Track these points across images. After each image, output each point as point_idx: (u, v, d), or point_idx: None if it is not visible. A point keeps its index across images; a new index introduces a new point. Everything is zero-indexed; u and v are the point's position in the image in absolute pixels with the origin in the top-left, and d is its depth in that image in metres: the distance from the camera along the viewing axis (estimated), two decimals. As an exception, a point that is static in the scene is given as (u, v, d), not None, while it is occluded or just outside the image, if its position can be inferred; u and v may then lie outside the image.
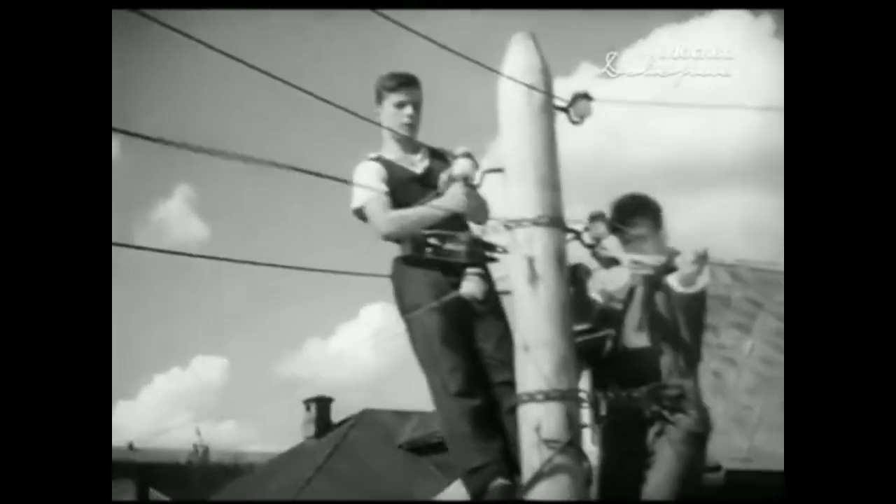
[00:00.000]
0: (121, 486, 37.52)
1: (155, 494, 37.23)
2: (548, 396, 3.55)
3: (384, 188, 4.36)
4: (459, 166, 3.89)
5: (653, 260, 3.99)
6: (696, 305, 4.06)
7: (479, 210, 4.24)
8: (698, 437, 3.95)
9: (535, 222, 3.67)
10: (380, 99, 4.58)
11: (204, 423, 73.41)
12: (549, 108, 3.80)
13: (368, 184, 4.34)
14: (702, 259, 3.77)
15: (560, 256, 3.68)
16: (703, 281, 3.94)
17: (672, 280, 3.96)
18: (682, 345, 4.02)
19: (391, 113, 4.51)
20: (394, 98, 4.52)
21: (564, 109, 3.88)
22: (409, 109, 4.51)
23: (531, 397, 3.58)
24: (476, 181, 3.85)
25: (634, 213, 4.19)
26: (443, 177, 4.09)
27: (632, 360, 4.05)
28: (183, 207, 51.95)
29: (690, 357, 4.05)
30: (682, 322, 4.03)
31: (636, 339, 4.07)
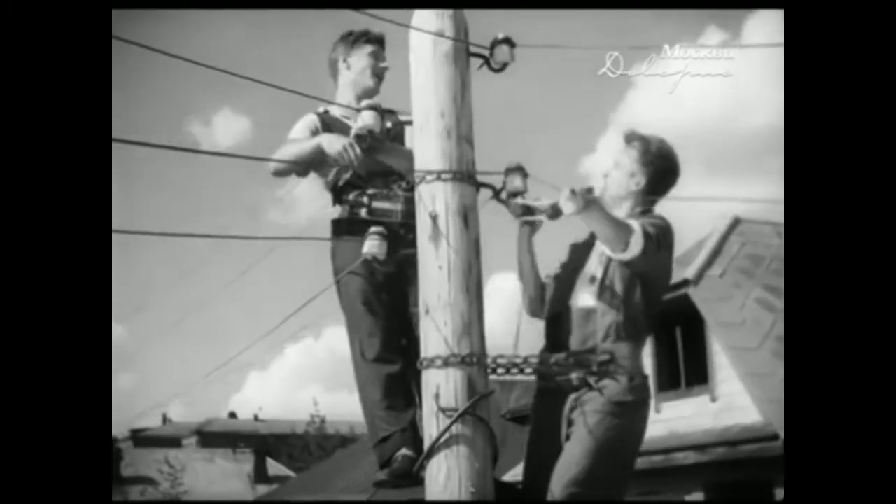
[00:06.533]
0: (240, 455, 38.69)
1: (271, 463, 38.16)
2: (446, 362, 3.34)
3: (305, 136, 4.14)
4: (362, 118, 3.70)
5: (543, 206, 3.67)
6: (656, 271, 3.70)
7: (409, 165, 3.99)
8: (626, 406, 3.55)
9: (439, 176, 3.44)
10: (346, 55, 4.37)
11: (338, 395, 74.70)
12: (459, 56, 3.56)
13: (292, 135, 4.20)
14: (576, 196, 3.35)
15: (466, 213, 3.44)
16: (636, 247, 3.52)
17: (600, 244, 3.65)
18: (630, 307, 3.62)
19: (363, 64, 4.32)
20: (368, 48, 4.35)
21: (483, 56, 3.65)
22: (384, 60, 4.34)
23: (430, 363, 3.37)
24: (378, 132, 3.66)
25: (644, 148, 3.78)
26: (352, 131, 3.87)
27: (573, 319, 3.69)
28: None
29: (635, 322, 3.64)
30: (638, 284, 3.62)
31: (585, 293, 3.70)
